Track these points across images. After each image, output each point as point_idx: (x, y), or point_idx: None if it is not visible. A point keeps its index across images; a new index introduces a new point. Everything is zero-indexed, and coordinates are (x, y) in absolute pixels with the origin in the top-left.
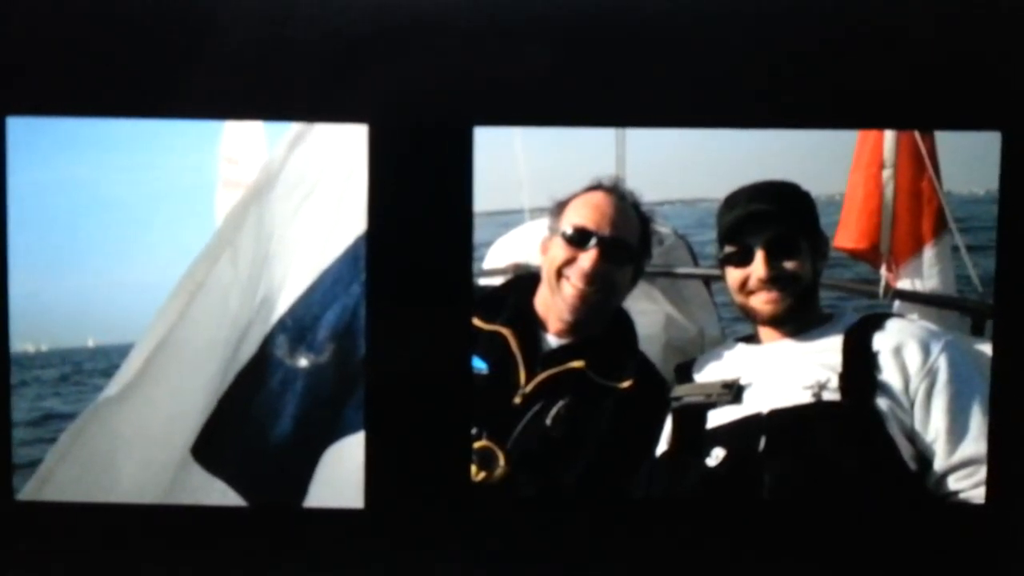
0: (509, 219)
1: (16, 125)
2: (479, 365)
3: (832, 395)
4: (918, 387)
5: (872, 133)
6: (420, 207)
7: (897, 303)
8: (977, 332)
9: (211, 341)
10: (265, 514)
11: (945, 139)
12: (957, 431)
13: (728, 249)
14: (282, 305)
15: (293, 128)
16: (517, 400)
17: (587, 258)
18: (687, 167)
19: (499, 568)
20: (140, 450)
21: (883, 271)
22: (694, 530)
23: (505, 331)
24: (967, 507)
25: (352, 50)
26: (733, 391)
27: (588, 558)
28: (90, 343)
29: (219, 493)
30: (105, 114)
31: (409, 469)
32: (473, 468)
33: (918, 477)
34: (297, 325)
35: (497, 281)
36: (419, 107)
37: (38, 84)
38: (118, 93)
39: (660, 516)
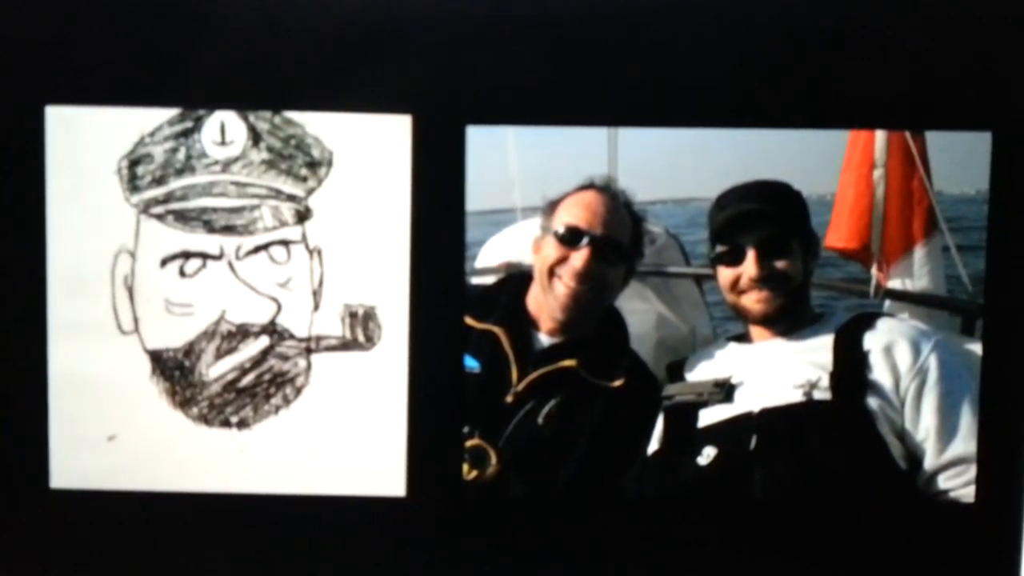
0: (501, 218)
1: None
2: (471, 364)
3: (823, 394)
4: (908, 386)
5: (863, 133)
6: (413, 205)
7: (887, 302)
8: (967, 331)
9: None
10: (273, 508)
11: (935, 139)
12: (947, 430)
13: (719, 248)
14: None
15: None
16: (509, 399)
17: (579, 257)
18: (678, 167)
19: (493, 568)
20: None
21: (874, 271)
22: (684, 529)
23: (497, 330)
24: (957, 506)
25: (348, 48)
26: (724, 390)
27: (580, 558)
28: None
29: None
30: (106, 104)
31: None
32: (465, 467)
33: (908, 476)
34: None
35: (489, 280)
36: (413, 106)
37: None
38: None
39: (651, 515)
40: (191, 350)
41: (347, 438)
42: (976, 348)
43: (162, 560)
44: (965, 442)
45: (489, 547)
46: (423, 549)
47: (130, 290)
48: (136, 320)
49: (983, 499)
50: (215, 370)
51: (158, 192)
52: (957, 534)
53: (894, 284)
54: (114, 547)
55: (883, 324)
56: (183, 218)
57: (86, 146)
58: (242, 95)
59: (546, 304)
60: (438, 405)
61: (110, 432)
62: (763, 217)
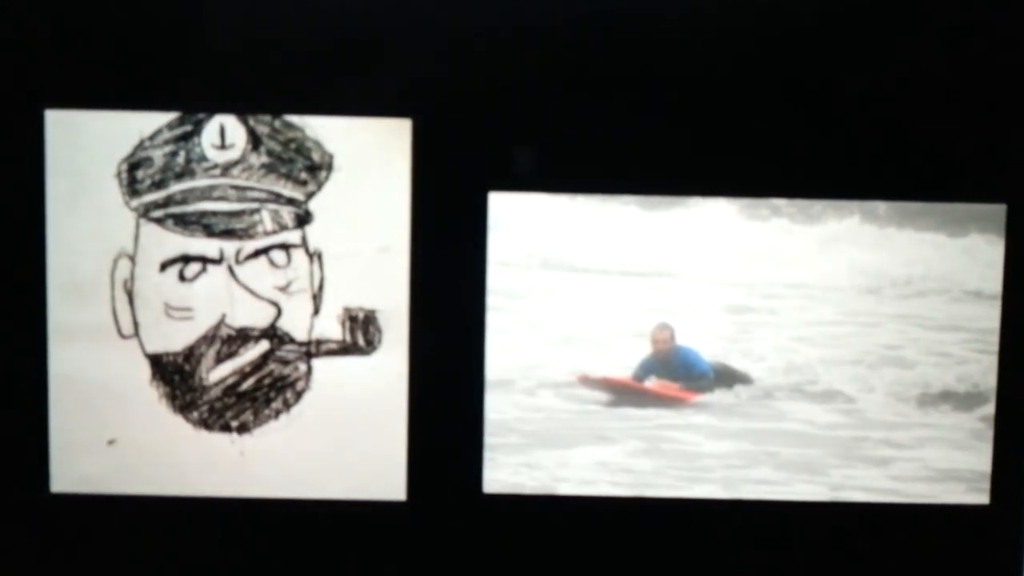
0: None
1: None
2: None
3: None
4: None
5: None
6: (412, 208)
7: None
8: None
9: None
10: (273, 512)
11: None
12: None
13: None
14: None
15: None
16: None
17: None
18: None
19: (494, 572)
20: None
21: None
22: (687, 531)
23: None
24: (970, 508)
25: (348, 52)
26: None
27: (582, 561)
28: None
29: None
30: (105, 108)
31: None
32: None
33: None
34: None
35: None
36: (413, 109)
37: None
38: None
39: (661, 517)
40: (191, 354)
41: (347, 442)
42: None
43: (162, 564)
44: None
45: (490, 552)
46: (423, 554)
47: (130, 294)
48: (136, 324)
49: (997, 502)
50: (215, 374)
51: (158, 196)
52: (961, 536)
53: None
54: (114, 551)
55: None
56: (183, 222)
57: (86, 150)
58: (242, 98)
59: None
60: (438, 409)
61: (110, 436)
62: None
